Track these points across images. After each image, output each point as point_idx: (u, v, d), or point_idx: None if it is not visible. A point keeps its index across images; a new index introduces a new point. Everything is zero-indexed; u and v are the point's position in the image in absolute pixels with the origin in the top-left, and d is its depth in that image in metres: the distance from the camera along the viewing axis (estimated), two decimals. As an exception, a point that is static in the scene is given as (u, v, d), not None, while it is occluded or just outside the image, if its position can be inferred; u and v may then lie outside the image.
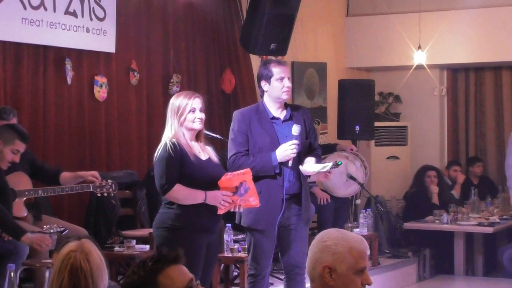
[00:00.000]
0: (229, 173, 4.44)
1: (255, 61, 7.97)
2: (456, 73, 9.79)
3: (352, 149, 7.60)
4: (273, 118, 4.85)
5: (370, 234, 7.17)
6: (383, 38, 9.39)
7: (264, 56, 7.59)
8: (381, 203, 8.09)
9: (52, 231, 5.13)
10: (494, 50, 9.02)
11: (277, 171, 4.73)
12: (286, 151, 4.69)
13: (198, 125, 4.36)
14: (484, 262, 8.27)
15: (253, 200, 4.45)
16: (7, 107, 5.68)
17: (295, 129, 4.74)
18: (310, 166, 4.72)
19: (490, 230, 7.81)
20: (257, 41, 7.19)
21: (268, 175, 4.73)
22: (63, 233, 5.15)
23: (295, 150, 4.69)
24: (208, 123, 6.34)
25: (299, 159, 4.76)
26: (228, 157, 4.80)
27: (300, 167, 4.74)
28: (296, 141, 4.70)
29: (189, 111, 4.32)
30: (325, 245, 2.52)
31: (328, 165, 4.69)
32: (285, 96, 4.83)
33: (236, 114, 4.89)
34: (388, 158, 9.41)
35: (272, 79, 4.80)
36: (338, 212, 7.54)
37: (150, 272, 2.25)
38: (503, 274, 7.96)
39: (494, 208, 8.44)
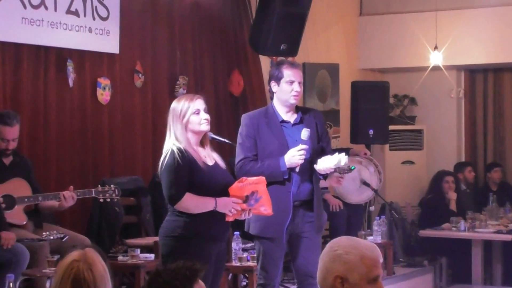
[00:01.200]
0: (244, 177, 4.34)
1: (265, 62, 7.98)
2: (474, 74, 9.72)
3: (365, 154, 7.60)
4: (283, 121, 4.77)
5: (384, 242, 7.14)
6: (398, 38, 9.34)
7: (274, 58, 7.59)
8: (395, 209, 8.08)
9: (52, 237, 5.17)
10: (514, 51, 8.95)
11: (286, 176, 4.64)
12: (294, 157, 4.60)
13: (205, 127, 4.28)
14: (502, 271, 8.19)
15: (265, 210, 4.38)
16: (11, 111, 5.62)
17: (304, 133, 4.63)
18: (325, 162, 4.57)
19: (509, 237, 7.74)
20: (267, 41, 7.19)
21: (277, 181, 4.62)
22: (63, 240, 5.19)
23: (303, 156, 4.58)
24: (216, 127, 6.25)
25: (311, 164, 4.65)
26: (236, 162, 4.73)
27: (315, 166, 4.60)
28: (304, 146, 4.59)
29: (193, 113, 4.23)
30: (336, 254, 2.50)
31: (343, 157, 4.52)
32: (293, 101, 4.75)
33: (244, 118, 4.83)
34: (403, 163, 9.35)
35: (282, 80, 4.74)
36: (351, 219, 7.53)
37: (189, 281, 2.27)
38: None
39: (513, 215, 8.39)
